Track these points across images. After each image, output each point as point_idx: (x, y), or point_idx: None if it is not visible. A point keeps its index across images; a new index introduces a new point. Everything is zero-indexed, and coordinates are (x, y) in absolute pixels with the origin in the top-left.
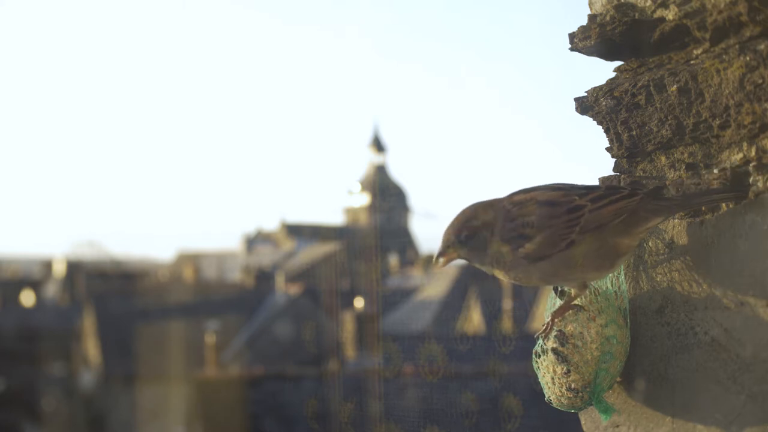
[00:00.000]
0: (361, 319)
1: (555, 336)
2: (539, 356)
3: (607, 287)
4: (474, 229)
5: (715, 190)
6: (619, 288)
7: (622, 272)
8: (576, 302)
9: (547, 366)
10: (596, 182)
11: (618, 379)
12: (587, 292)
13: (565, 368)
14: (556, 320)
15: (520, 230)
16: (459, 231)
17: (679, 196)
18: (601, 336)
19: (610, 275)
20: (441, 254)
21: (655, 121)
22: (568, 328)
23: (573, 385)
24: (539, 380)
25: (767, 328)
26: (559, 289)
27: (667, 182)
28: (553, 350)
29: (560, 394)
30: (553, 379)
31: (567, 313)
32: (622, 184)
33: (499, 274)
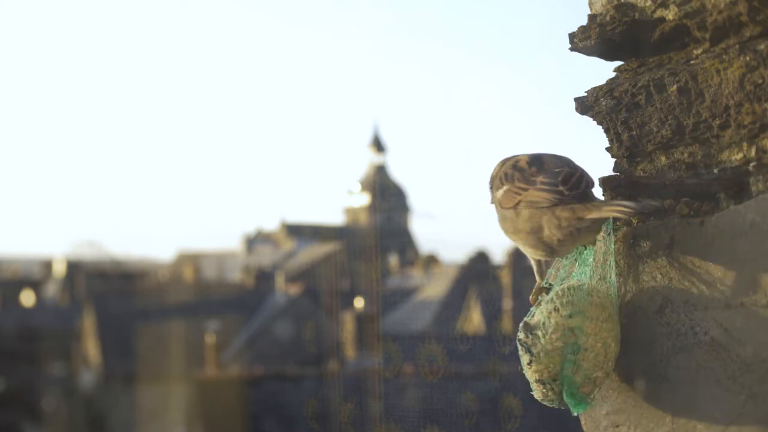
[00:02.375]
0: (361, 319)
1: (522, 327)
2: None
3: (584, 281)
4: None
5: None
6: (603, 281)
7: (612, 265)
8: (543, 284)
9: (521, 358)
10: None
11: (599, 374)
12: (557, 287)
13: (528, 359)
14: (534, 300)
15: (499, 178)
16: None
17: (607, 202)
18: (563, 326)
19: (595, 269)
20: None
21: (655, 121)
22: (533, 319)
23: (538, 376)
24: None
25: (767, 328)
26: (548, 283)
27: (667, 183)
28: (519, 341)
29: (533, 387)
30: (525, 371)
31: (535, 305)
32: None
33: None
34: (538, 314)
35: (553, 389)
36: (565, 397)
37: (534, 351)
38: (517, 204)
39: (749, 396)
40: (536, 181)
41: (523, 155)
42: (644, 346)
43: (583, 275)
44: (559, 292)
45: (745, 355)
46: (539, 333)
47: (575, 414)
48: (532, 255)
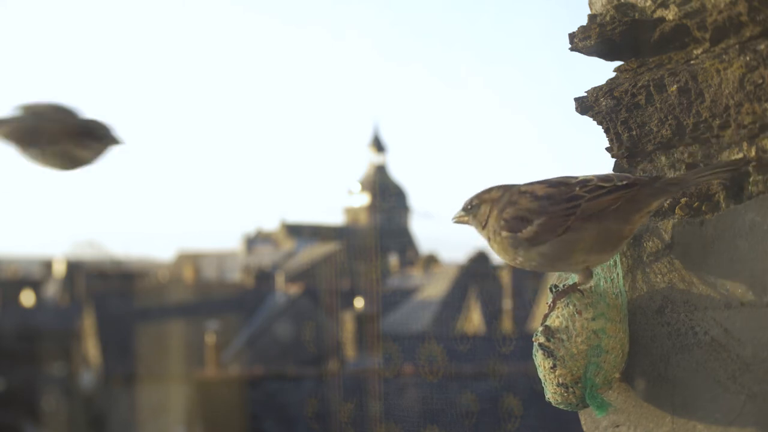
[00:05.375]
0: (361, 319)
1: (541, 331)
2: (535, 354)
3: (599, 283)
4: (481, 200)
5: (709, 167)
6: (613, 283)
7: (619, 267)
8: (581, 287)
9: (540, 363)
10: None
11: (617, 375)
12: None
13: (551, 363)
14: (558, 303)
15: (521, 213)
16: (471, 200)
17: (676, 178)
18: (587, 329)
19: (605, 272)
20: (455, 216)
21: (655, 121)
22: (554, 323)
23: (561, 380)
24: (540, 379)
25: (767, 328)
26: (555, 287)
27: None
28: (540, 345)
29: (553, 390)
30: (544, 375)
31: (554, 311)
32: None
33: (500, 252)
34: (557, 317)
35: (575, 393)
36: (588, 400)
37: (558, 355)
38: (567, 228)
39: (749, 396)
40: (581, 194)
41: (527, 186)
42: (644, 346)
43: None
44: (579, 295)
45: (745, 355)
46: (563, 337)
47: (599, 416)
48: (594, 262)
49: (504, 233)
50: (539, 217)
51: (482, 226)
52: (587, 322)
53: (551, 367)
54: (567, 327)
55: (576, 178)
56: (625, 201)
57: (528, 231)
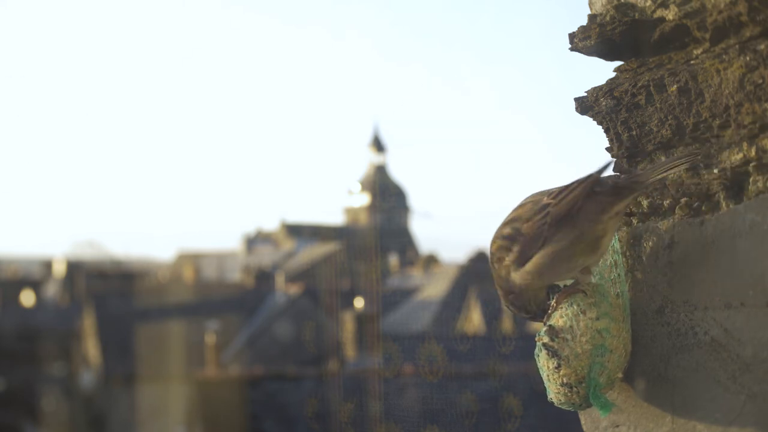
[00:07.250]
0: (361, 319)
1: (545, 331)
2: (538, 354)
3: (601, 283)
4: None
5: (667, 161)
6: (614, 283)
7: (620, 267)
8: (581, 285)
9: (543, 362)
10: None
11: (620, 375)
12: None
13: (555, 363)
14: (561, 302)
15: (502, 243)
16: (511, 305)
17: (636, 175)
18: (592, 329)
19: (607, 272)
20: (538, 320)
21: (655, 121)
22: (558, 323)
23: (565, 380)
24: (543, 379)
25: (767, 328)
26: (556, 286)
27: (668, 183)
28: (544, 345)
29: (557, 390)
30: (548, 375)
31: (557, 310)
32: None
33: (514, 284)
34: (560, 317)
35: (578, 392)
36: (591, 400)
37: (562, 355)
38: (545, 240)
39: (749, 396)
40: (548, 202)
41: (500, 227)
42: (644, 346)
43: (594, 276)
44: (582, 295)
45: (745, 355)
46: (567, 336)
47: (603, 416)
48: (583, 264)
49: (497, 266)
50: (515, 238)
51: (503, 284)
52: (591, 321)
53: (555, 367)
54: (571, 327)
55: (548, 191)
56: (590, 203)
57: (511, 255)
